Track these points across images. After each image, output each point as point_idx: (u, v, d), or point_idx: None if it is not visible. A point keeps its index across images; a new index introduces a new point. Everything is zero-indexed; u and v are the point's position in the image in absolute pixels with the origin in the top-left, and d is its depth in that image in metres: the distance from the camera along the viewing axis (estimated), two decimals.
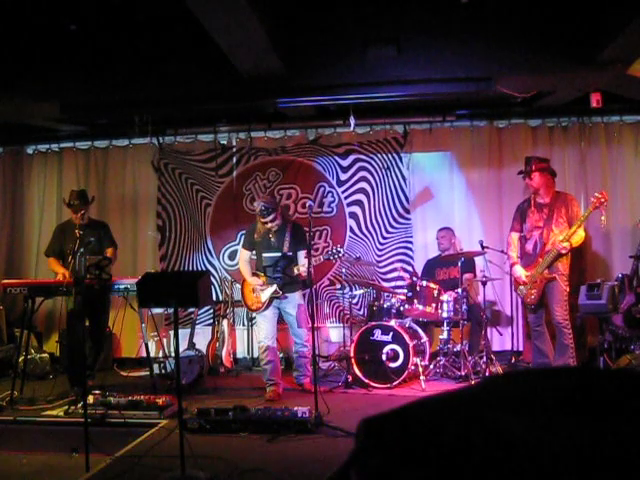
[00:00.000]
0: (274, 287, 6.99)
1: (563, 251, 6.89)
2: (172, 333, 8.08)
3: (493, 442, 0.93)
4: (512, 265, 7.36)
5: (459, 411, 1.01)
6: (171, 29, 6.79)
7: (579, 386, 1.05)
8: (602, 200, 6.80)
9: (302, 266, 6.93)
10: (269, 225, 7.06)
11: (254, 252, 7.35)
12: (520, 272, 7.20)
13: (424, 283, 7.70)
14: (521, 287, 7.24)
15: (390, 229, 9.12)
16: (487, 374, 7.19)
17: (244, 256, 7.40)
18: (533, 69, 6.98)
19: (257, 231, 7.25)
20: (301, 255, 7.07)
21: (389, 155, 9.14)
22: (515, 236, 7.39)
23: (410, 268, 8.94)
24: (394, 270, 8.93)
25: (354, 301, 8.71)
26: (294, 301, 7.12)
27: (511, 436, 0.93)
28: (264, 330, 7.17)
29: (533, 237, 7.18)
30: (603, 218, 6.95)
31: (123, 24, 6.80)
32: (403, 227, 9.10)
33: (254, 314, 7.21)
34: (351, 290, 8.69)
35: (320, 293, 9.06)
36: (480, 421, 0.97)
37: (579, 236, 6.93)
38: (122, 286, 7.24)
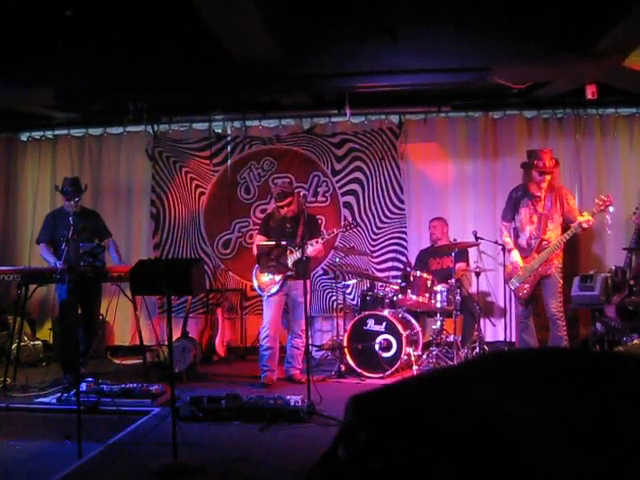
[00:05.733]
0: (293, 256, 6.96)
1: (585, 225, 6.82)
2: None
3: (480, 415, 0.93)
4: (509, 251, 7.33)
5: (446, 388, 1.02)
6: (166, 16, 6.75)
7: (568, 363, 1.05)
8: (607, 203, 6.80)
9: (311, 245, 6.93)
10: (284, 210, 7.11)
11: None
12: (518, 258, 7.18)
13: (418, 273, 7.71)
14: (513, 280, 7.23)
15: (384, 219, 9.12)
16: None
17: (258, 241, 7.41)
18: (528, 60, 6.97)
19: (273, 218, 7.32)
20: (312, 241, 7.04)
21: (384, 145, 9.13)
22: (507, 225, 7.38)
23: (404, 258, 8.96)
24: (388, 260, 8.94)
25: (347, 291, 8.71)
26: (303, 288, 7.09)
27: (500, 410, 0.93)
28: (269, 316, 7.18)
29: (526, 231, 7.17)
30: (608, 222, 6.93)
31: (118, 10, 6.75)
32: (397, 217, 9.10)
33: (264, 296, 7.17)
34: (344, 280, 8.70)
35: (314, 283, 9.06)
36: (470, 395, 0.97)
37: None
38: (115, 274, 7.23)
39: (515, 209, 7.29)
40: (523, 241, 7.20)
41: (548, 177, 7.07)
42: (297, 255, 6.82)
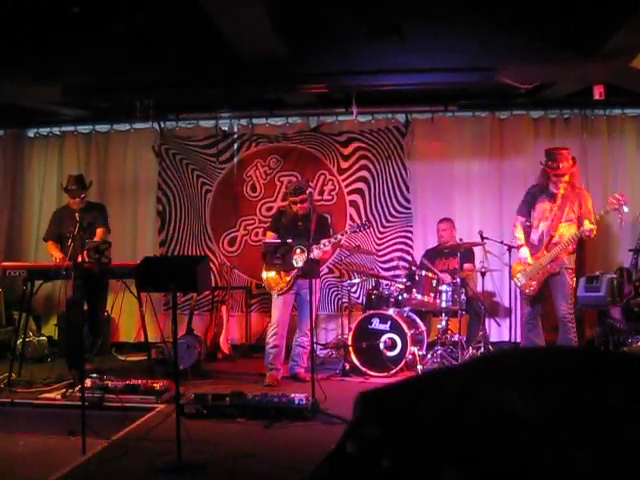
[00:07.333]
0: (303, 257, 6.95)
1: (587, 233, 6.77)
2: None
3: (488, 414, 0.93)
4: (519, 247, 7.29)
5: (445, 388, 1.02)
6: (173, 13, 6.76)
7: (574, 362, 1.05)
8: (622, 202, 6.75)
9: (322, 245, 6.94)
10: (298, 207, 7.08)
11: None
12: (526, 254, 7.13)
13: (423, 272, 7.70)
14: (519, 276, 7.19)
15: (390, 218, 9.11)
16: None
17: (268, 237, 7.42)
18: (536, 60, 6.95)
19: (286, 215, 7.30)
20: (324, 240, 7.04)
21: (390, 144, 9.12)
22: (523, 220, 7.31)
23: (409, 257, 8.94)
24: (393, 259, 8.93)
25: (353, 289, 8.71)
26: (313, 287, 7.07)
27: (503, 409, 0.93)
28: (277, 314, 7.16)
29: (540, 228, 7.11)
30: (621, 220, 6.91)
31: (125, 7, 6.76)
32: (403, 216, 9.09)
33: (273, 294, 7.17)
34: (350, 278, 8.69)
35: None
36: (474, 394, 0.97)
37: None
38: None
39: (531, 205, 7.23)
40: (535, 237, 7.15)
41: (564, 178, 7.02)
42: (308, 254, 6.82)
